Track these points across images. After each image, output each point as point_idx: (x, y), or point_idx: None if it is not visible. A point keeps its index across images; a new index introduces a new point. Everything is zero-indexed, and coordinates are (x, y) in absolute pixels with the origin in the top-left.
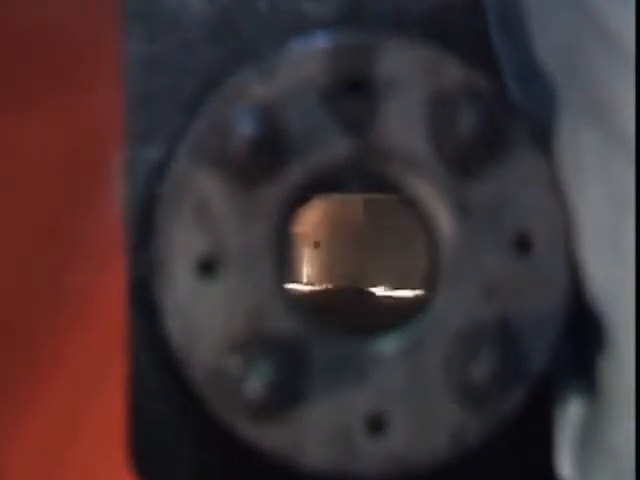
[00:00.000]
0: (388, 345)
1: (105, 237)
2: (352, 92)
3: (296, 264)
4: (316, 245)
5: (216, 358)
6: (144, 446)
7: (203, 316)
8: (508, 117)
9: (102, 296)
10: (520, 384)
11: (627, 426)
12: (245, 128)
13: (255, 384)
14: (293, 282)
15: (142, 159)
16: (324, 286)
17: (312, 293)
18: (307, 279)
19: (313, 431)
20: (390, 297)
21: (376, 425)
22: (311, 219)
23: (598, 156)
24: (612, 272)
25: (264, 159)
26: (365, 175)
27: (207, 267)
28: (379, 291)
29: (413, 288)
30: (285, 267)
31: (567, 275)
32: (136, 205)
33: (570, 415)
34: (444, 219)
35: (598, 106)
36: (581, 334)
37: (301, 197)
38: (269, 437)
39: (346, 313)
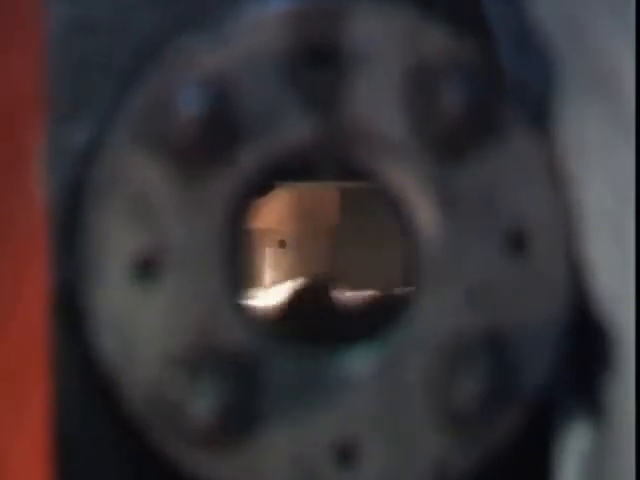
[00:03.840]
0: (359, 361)
1: (23, 234)
2: (317, 63)
3: (257, 267)
4: (281, 244)
5: (156, 376)
6: None
7: (141, 327)
8: (501, 93)
9: (22, 304)
10: (513, 406)
11: (634, 455)
12: (191, 105)
13: (203, 407)
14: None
15: (69, 139)
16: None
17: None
18: (270, 284)
19: (272, 462)
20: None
21: (345, 455)
22: (275, 213)
23: (603, 140)
24: (618, 271)
25: (214, 142)
26: (336, 160)
27: (146, 269)
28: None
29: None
30: (239, 270)
31: (568, 277)
32: (62, 195)
33: (572, 443)
34: (425, 212)
35: (601, 78)
36: (584, 347)
37: (259, 186)
38: (220, 469)
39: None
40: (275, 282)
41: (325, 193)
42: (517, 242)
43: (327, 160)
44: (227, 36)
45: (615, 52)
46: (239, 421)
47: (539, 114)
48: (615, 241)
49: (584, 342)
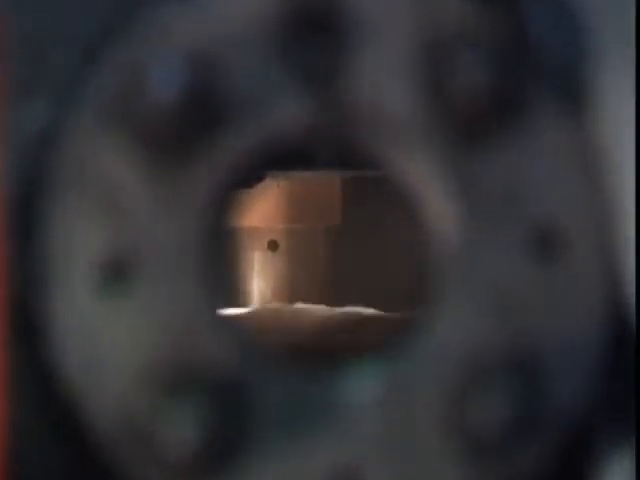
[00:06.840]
0: (361, 382)
1: None
2: (313, 34)
3: (242, 273)
4: (272, 246)
5: (127, 399)
6: None
7: (108, 341)
8: (527, 68)
9: None
10: (542, 435)
11: None
12: (167, 82)
13: (180, 434)
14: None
15: (25, 121)
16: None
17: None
18: (258, 294)
19: None
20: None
21: None
22: (264, 209)
23: None
24: None
25: (193, 125)
26: (337, 146)
27: (114, 273)
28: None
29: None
30: (221, 275)
31: (606, 284)
32: (16, 186)
33: (615, 476)
34: (439, 206)
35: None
36: (625, 365)
37: (246, 177)
38: None
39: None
40: (263, 291)
41: (324, 185)
42: (547, 243)
43: (326, 146)
44: (209, 3)
45: None
46: (222, 450)
47: (572, 93)
48: None
49: (624, 360)
